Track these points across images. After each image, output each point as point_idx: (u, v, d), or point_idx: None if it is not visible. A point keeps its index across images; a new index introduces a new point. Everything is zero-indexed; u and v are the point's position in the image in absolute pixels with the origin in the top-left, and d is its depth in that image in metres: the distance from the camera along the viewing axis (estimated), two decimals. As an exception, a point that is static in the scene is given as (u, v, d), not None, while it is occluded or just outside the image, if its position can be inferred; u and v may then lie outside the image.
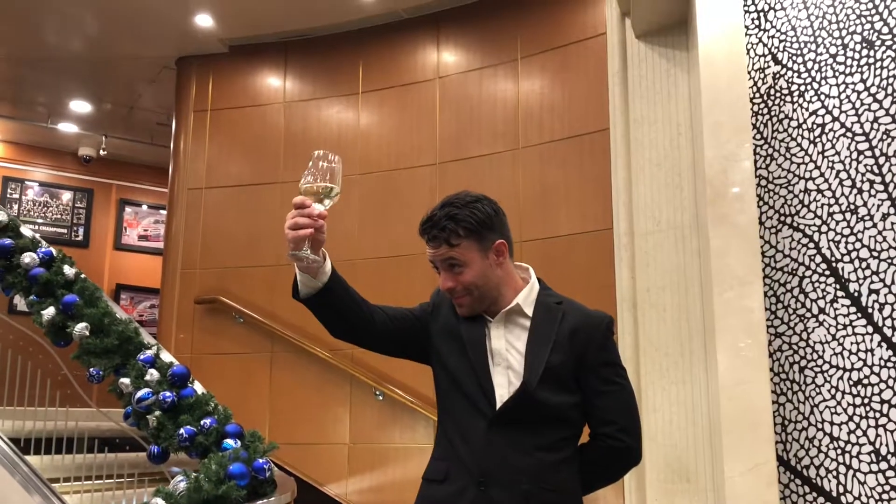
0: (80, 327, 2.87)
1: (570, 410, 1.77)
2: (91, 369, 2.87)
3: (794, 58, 2.98)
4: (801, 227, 2.87)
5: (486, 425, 1.73)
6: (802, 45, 2.95)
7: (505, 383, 1.76)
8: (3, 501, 2.77)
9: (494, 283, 1.81)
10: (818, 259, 2.80)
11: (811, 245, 2.83)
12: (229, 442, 2.57)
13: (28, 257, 3.03)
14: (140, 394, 2.73)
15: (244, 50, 5.54)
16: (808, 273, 2.82)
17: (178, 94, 5.77)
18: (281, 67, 5.43)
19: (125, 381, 2.82)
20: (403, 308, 2.00)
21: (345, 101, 5.21)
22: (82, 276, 3.15)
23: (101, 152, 7.89)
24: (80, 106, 7.08)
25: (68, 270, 3.06)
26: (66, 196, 8.21)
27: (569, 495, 1.77)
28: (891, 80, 2.66)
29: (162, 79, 6.30)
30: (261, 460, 2.43)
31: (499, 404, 1.74)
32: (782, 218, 2.93)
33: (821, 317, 2.76)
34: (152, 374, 2.79)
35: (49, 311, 2.93)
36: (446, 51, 4.96)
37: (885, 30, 2.70)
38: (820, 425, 2.72)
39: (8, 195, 7.84)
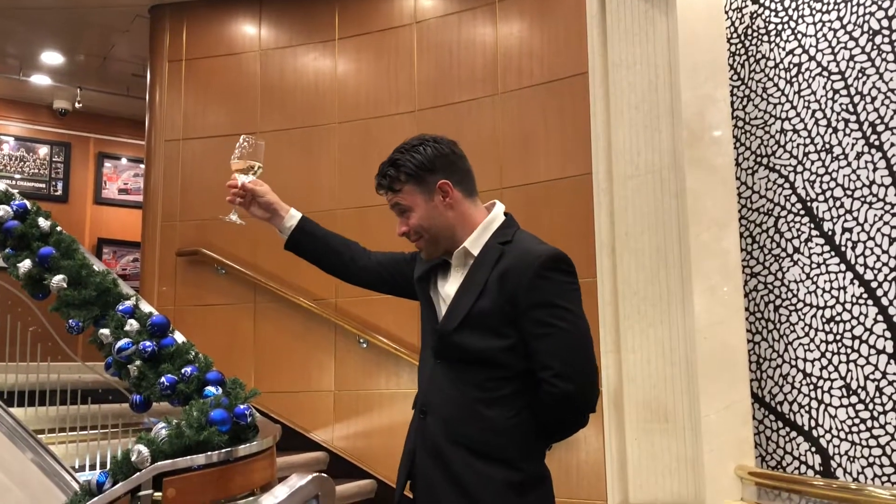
0: (58, 279, 2.85)
1: (501, 354, 1.74)
2: (70, 321, 2.87)
3: (772, -4, 2.95)
4: (777, 167, 2.88)
5: (432, 359, 1.83)
6: (780, -18, 2.93)
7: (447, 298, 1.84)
8: (-12, 453, 2.80)
9: (445, 224, 1.82)
10: (793, 199, 2.82)
11: (787, 185, 2.85)
12: (211, 389, 2.59)
13: (1, 210, 3.00)
14: (120, 344, 2.73)
15: (218, -3, 5.43)
16: (784, 213, 2.84)
17: (152, 43, 5.66)
18: (256, 15, 5.33)
19: (105, 331, 2.81)
20: (400, 255, 2.13)
21: (321, 48, 5.13)
22: (58, 228, 3.12)
23: (77, 105, 7.76)
24: (53, 57, 6.94)
25: (43, 223, 3.04)
26: (43, 150, 8.10)
27: (493, 434, 1.72)
28: (867, 17, 2.65)
29: (135, 28, 6.17)
30: (242, 406, 2.45)
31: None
32: (759, 159, 2.94)
33: (795, 256, 2.79)
34: (132, 325, 2.79)
35: (25, 264, 2.91)
36: (424, -5, 4.88)
37: (863, -34, 2.68)
38: (794, 362, 2.77)
39: (-17, 150, 7.73)
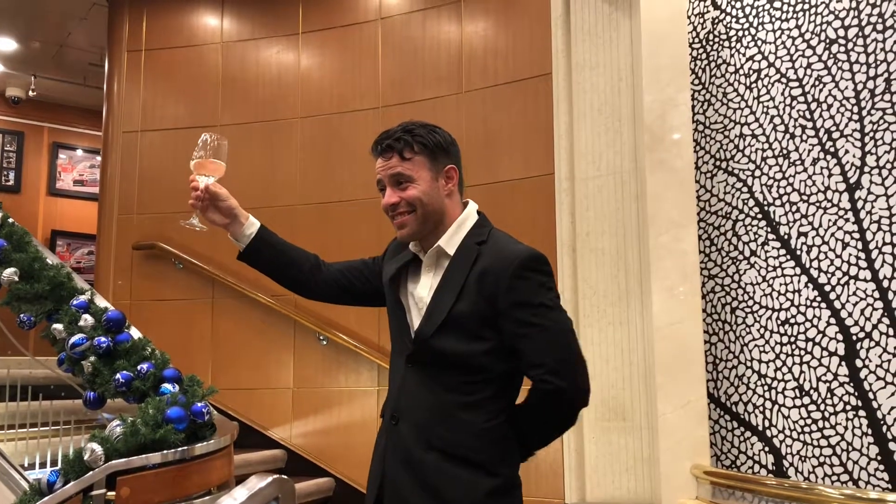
0: (9, 272, 2.78)
1: (481, 357, 1.69)
2: (21, 315, 2.80)
3: (733, 2, 3.00)
4: (736, 171, 2.93)
5: (404, 365, 1.76)
6: (741, -11, 2.97)
7: (420, 302, 1.78)
8: (-67, 450, 2.71)
9: (439, 207, 1.77)
10: (751, 203, 2.87)
11: (745, 189, 2.90)
12: (167, 386, 2.55)
13: (-49, 201, 2.91)
14: (74, 339, 2.67)
15: (179, -13, 5.34)
16: (742, 216, 2.89)
17: (110, 32, 5.54)
18: (218, 6, 5.25)
19: (58, 327, 2.75)
20: (359, 261, 2.05)
21: (285, 41, 5.07)
22: (10, 220, 3.04)
23: (31, 93, 7.57)
24: (6, 44, 6.75)
25: (-6, 214, 2.96)
26: (-5, 139, 7.89)
27: (471, 437, 1.67)
28: (824, 26, 2.70)
29: (93, 16, 6.03)
30: (199, 404, 2.42)
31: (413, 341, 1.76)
32: (718, 162, 2.99)
33: (752, 259, 2.84)
34: (87, 320, 2.73)
35: (-25, 257, 2.83)
36: (389, -9, 4.86)
37: (821, -25, 2.73)
38: (749, 363, 2.82)
39: (-69, 138, 7.51)
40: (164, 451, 2.24)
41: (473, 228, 1.80)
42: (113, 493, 2.13)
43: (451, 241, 1.78)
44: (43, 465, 3.19)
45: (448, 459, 1.65)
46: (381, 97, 4.78)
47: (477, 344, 1.68)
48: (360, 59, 4.88)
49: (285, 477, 1.01)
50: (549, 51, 3.99)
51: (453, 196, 1.81)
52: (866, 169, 2.54)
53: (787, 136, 2.77)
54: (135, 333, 2.81)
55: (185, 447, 2.30)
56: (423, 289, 1.78)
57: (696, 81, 3.11)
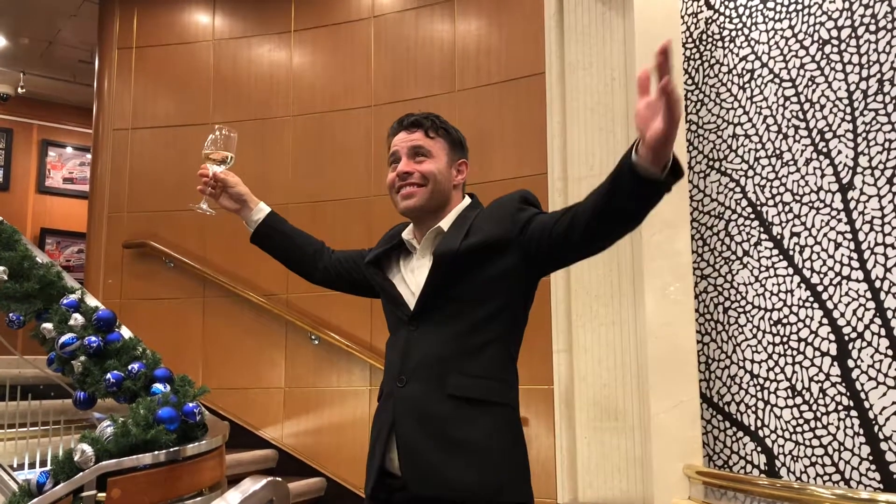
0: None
1: (491, 284, 1.72)
2: (10, 314, 2.77)
3: (726, 3, 3.00)
4: (729, 171, 2.93)
5: (406, 329, 1.78)
6: (735, -11, 2.97)
7: (415, 290, 1.80)
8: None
9: (446, 191, 1.83)
10: (744, 203, 2.87)
11: (738, 189, 2.90)
12: (158, 386, 2.53)
13: (-61, 199, 2.88)
14: (64, 339, 2.65)
15: (170, -16, 5.31)
16: (734, 217, 2.89)
17: (100, 29, 5.50)
18: (209, 4, 5.22)
19: (48, 326, 2.73)
20: (357, 251, 2.11)
21: (276, 39, 5.05)
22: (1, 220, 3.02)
23: (20, 90, 7.52)
24: (-5, 40, 6.71)
25: (-17, 212, 2.93)
26: (-17, 136, 7.83)
27: (492, 381, 1.70)
28: (817, 26, 2.71)
29: (83, 13, 5.99)
30: (191, 404, 2.40)
31: (412, 305, 1.77)
32: (711, 162, 2.99)
33: (745, 259, 2.85)
34: (77, 319, 2.71)
35: (-36, 255, 2.80)
36: (382, -11, 4.84)
37: (814, -24, 2.74)
38: (741, 363, 2.82)
39: (-81, 135, 7.44)
40: (156, 452, 2.23)
41: (467, 209, 1.87)
42: (103, 494, 2.11)
43: (448, 221, 1.83)
44: (32, 466, 3.16)
45: (466, 404, 1.67)
46: (373, 96, 4.76)
47: (490, 268, 1.71)
48: (352, 58, 4.86)
49: (279, 479, 1.00)
50: (543, 50, 3.99)
51: (459, 188, 1.89)
52: (859, 169, 2.55)
53: (780, 136, 2.78)
54: (125, 333, 2.79)
55: (177, 448, 2.28)
56: (422, 274, 1.79)
57: (690, 81, 3.11)
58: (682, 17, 3.11)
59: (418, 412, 1.69)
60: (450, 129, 1.88)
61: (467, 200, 1.90)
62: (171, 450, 2.27)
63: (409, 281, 1.83)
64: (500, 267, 1.72)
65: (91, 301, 2.89)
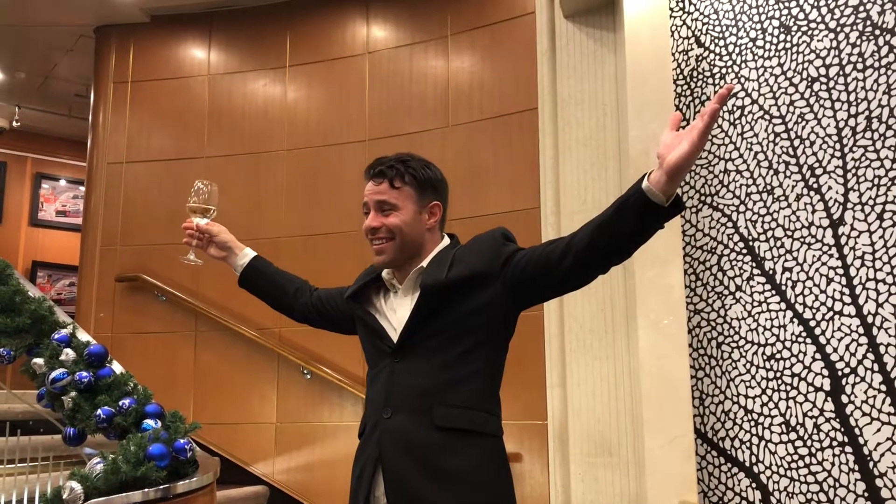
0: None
1: (473, 318, 1.75)
2: (1, 350, 2.75)
3: (717, 41, 3.04)
4: (721, 206, 2.95)
5: (390, 361, 1.80)
6: (724, 28, 3.02)
7: (398, 326, 1.82)
8: None
9: (417, 239, 1.84)
10: (736, 238, 2.89)
11: (729, 224, 2.92)
12: (149, 422, 2.50)
13: (-68, 232, 2.87)
14: (54, 374, 2.62)
15: (167, 20, 5.35)
16: (727, 251, 2.91)
17: (96, 64, 5.54)
18: (205, 39, 5.27)
19: (38, 361, 2.70)
20: (338, 288, 2.13)
21: (272, 74, 5.09)
22: (-9, 252, 3.01)
23: (15, 123, 7.54)
24: (-9, 74, 6.74)
25: (-24, 246, 2.92)
26: (-23, 169, 7.83)
27: (476, 412, 1.74)
28: (805, 64, 2.75)
29: (80, 48, 6.03)
30: (182, 441, 2.38)
31: (395, 338, 1.80)
32: (703, 198, 3.01)
33: (738, 294, 2.85)
34: (68, 354, 2.69)
35: (-45, 289, 2.78)
36: (376, 25, 4.90)
37: (801, 16, 2.79)
38: (735, 398, 2.82)
39: (-87, 168, 7.43)
40: (146, 490, 2.19)
41: (447, 248, 1.88)
42: (92, 533, 2.08)
43: (429, 261, 1.86)
44: (20, 503, 3.11)
45: (453, 434, 1.69)
46: (367, 130, 4.80)
47: (471, 301, 1.74)
48: (346, 93, 4.90)
49: None
50: (535, 86, 4.04)
51: (433, 231, 1.89)
52: (849, 205, 2.57)
53: (771, 171, 2.80)
54: (117, 368, 2.77)
55: (168, 485, 2.25)
56: (404, 311, 1.82)
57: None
58: (673, 54, 3.15)
59: (405, 443, 1.71)
60: (419, 173, 1.85)
61: (447, 241, 1.91)
62: (162, 487, 2.24)
63: (390, 317, 1.86)
64: (482, 299, 1.74)
65: (83, 336, 2.87)
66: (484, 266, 1.75)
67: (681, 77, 3.14)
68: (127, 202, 5.18)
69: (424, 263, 1.83)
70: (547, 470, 3.73)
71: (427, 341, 1.76)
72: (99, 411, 2.55)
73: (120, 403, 2.58)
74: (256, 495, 4.51)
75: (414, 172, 1.85)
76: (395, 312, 1.85)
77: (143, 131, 5.28)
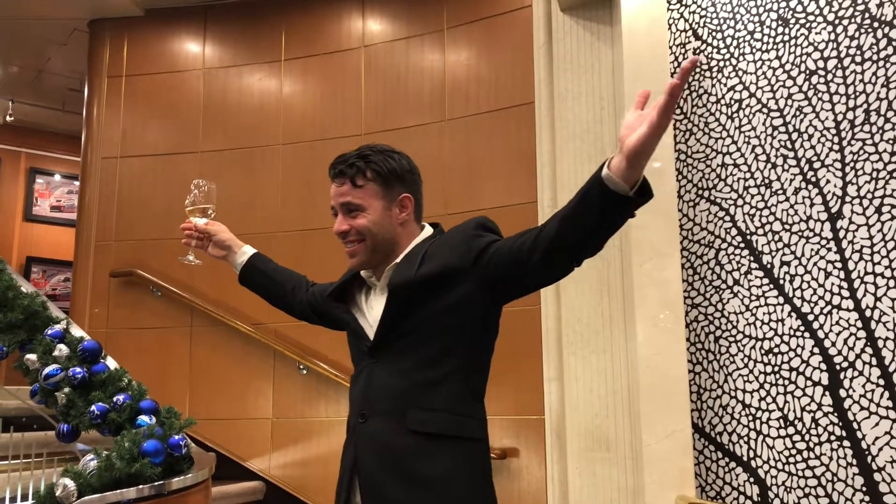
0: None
1: (446, 316, 1.66)
2: (-6, 345, 2.73)
3: (714, 33, 3.02)
4: (718, 200, 2.94)
5: (368, 362, 1.74)
6: (722, 21, 3.00)
7: (374, 323, 1.76)
8: None
9: (390, 236, 1.76)
10: (734, 232, 2.87)
11: (727, 218, 2.90)
12: (144, 418, 2.49)
13: (-77, 227, 2.85)
14: (48, 370, 2.60)
15: (161, 14, 5.32)
16: (724, 245, 2.90)
17: (90, 58, 5.50)
18: (200, 33, 5.24)
19: (31, 357, 2.69)
20: (332, 283, 2.05)
21: (267, 68, 5.06)
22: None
23: (8, 118, 7.50)
24: (-16, 68, 6.70)
25: (-32, 241, 2.90)
26: (-30, 164, 7.79)
27: (452, 414, 1.65)
28: (804, 57, 2.73)
29: (73, 42, 5.99)
30: (177, 437, 2.36)
31: (372, 335, 1.74)
32: (700, 192, 3.00)
33: (735, 288, 2.84)
34: (61, 350, 2.67)
35: (-52, 285, 2.76)
36: (371, 19, 4.87)
37: (799, 8, 2.77)
38: (733, 393, 2.81)
39: None
40: (140, 486, 2.18)
41: (425, 241, 1.79)
42: (86, 530, 2.06)
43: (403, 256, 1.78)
44: (14, 501, 3.10)
45: (426, 439, 1.62)
46: (363, 124, 4.77)
47: (443, 299, 1.66)
48: (342, 87, 4.88)
49: None
50: (532, 80, 4.01)
51: (407, 225, 1.79)
52: (847, 199, 2.56)
53: (769, 165, 2.79)
54: (111, 364, 2.75)
55: (162, 482, 2.24)
56: (380, 307, 1.75)
57: (678, 111, 3.12)
58: (671, 47, 3.14)
59: (380, 449, 1.66)
60: (381, 166, 1.75)
61: (427, 231, 1.84)
62: (156, 483, 2.22)
63: (369, 316, 1.80)
64: (456, 296, 1.65)
65: (76, 331, 2.85)
66: (456, 261, 1.65)
67: (678, 70, 3.12)
68: (122, 197, 5.15)
69: (399, 259, 1.76)
70: (544, 465, 3.72)
71: (401, 341, 1.69)
72: (93, 407, 2.53)
73: (114, 399, 2.56)
74: (253, 491, 4.49)
75: (376, 167, 1.74)
76: (373, 310, 1.79)
77: (137, 126, 5.25)
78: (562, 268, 1.56)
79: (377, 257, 1.77)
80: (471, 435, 1.68)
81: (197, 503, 2.37)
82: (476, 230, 1.70)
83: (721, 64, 2.99)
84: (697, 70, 3.06)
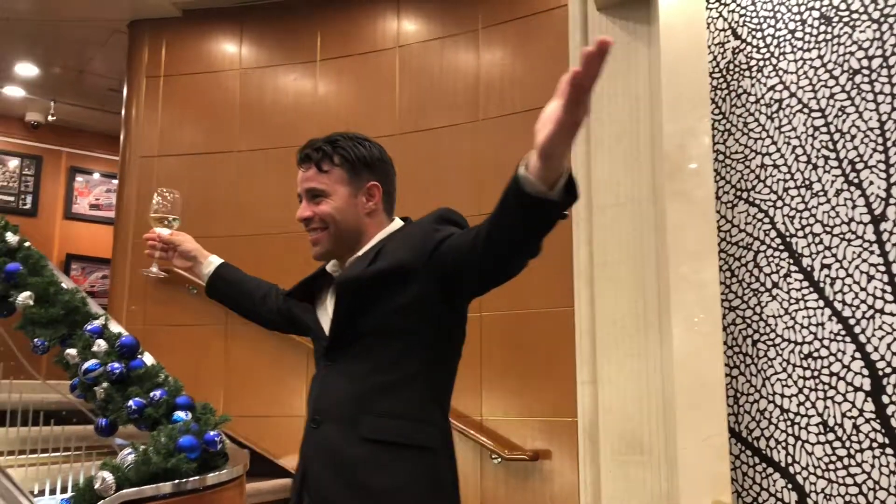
0: (24, 296, 2.77)
1: (399, 317, 1.55)
2: (35, 340, 2.78)
3: (754, 32, 2.98)
4: (757, 202, 2.89)
5: (324, 363, 1.65)
6: (762, 20, 2.96)
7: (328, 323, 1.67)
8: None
9: (355, 226, 1.67)
10: (773, 234, 2.83)
11: (766, 220, 2.86)
12: (180, 414, 2.51)
13: (-31, 224, 2.91)
14: (87, 365, 2.65)
15: (198, 14, 5.38)
16: (763, 248, 2.85)
17: (129, 59, 5.59)
18: (237, 33, 5.29)
19: (72, 351, 2.73)
20: None
21: (302, 68, 5.09)
22: (26, 243, 3.04)
23: (50, 118, 7.65)
24: (27, 69, 6.83)
25: (11, 238, 2.96)
26: (13, 163, 7.95)
27: (408, 422, 1.55)
28: (847, 56, 2.68)
29: (113, 43, 6.09)
30: (212, 433, 2.38)
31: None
32: (739, 193, 2.95)
33: (774, 291, 2.80)
34: (100, 345, 2.71)
35: (-9, 280, 2.82)
36: (406, 19, 4.88)
37: (843, 6, 2.72)
38: (771, 398, 2.76)
39: (-49, 161, 7.57)
40: (177, 481, 2.21)
41: (391, 235, 1.70)
42: (123, 523, 2.09)
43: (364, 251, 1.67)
44: (53, 493, 3.15)
45: (381, 448, 1.52)
46: (396, 124, 4.78)
47: (395, 299, 1.55)
48: (376, 87, 4.89)
49: None
50: (567, 80, 3.98)
51: (375, 214, 1.70)
52: (892, 200, 2.50)
53: (810, 166, 2.74)
54: (148, 359, 2.79)
55: (198, 477, 2.26)
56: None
57: (717, 111, 3.08)
58: (709, 46, 3.09)
59: (329, 456, 1.56)
60: (349, 153, 1.67)
61: (396, 224, 1.73)
62: (192, 479, 2.25)
63: (329, 313, 1.67)
64: (410, 296, 1.53)
65: (114, 327, 2.89)
66: (410, 258, 1.53)
67: (717, 70, 3.08)
68: (159, 196, 5.22)
69: (360, 252, 1.66)
70: (577, 467, 3.69)
71: (356, 344, 1.59)
72: (130, 402, 2.57)
73: (151, 395, 2.60)
74: (285, 488, 4.52)
75: (344, 153, 1.67)
76: (331, 307, 1.68)
77: (174, 125, 5.31)
78: (504, 268, 1.42)
79: (342, 247, 1.68)
80: (427, 444, 1.56)
81: (231, 499, 2.39)
82: (435, 223, 1.58)
83: (761, 63, 2.94)
84: (736, 69, 3.01)
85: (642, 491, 3.23)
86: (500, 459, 3.84)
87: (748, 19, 3.00)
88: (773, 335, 2.78)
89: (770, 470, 2.73)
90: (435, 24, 4.79)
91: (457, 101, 4.62)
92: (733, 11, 3.05)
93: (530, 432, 3.90)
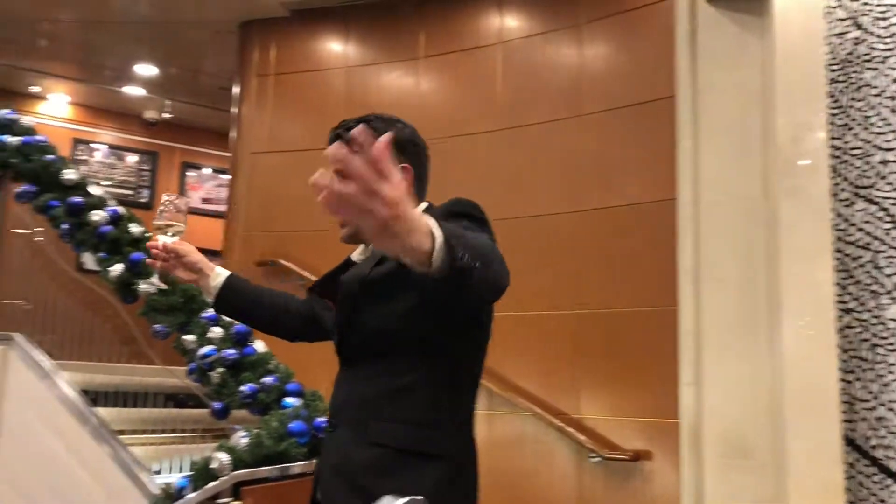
0: (147, 284, 2.94)
1: (403, 322, 1.49)
2: (156, 325, 2.94)
3: (878, 21, 2.84)
4: (877, 199, 2.76)
5: (341, 367, 1.63)
6: (887, 8, 2.82)
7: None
8: (73, 449, 2.87)
9: None
10: (894, 234, 2.69)
11: (887, 219, 2.72)
12: (290, 400, 2.62)
13: (97, 215, 3.12)
14: (204, 350, 2.79)
15: (305, 14, 5.54)
16: (883, 248, 2.72)
17: (240, 58, 5.82)
18: (342, 32, 5.42)
19: (189, 337, 2.88)
20: None
21: (405, 66, 5.17)
22: (148, 234, 3.22)
23: (166, 115, 8.03)
24: (146, 69, 7.20)
25: (135, 229, 3.14)
26: (132, 158, 8.40)
27: (415, 427, 1.49)
28: (982, 45, 2.52)
29: (225, 43, 6.35)
30: (321, 419, 2.47)
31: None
32: (857, 190, 2.83)
33: (895, 294, 2.66)
34: (215, 332, 2.85)
35: (117, 268, 3.01)
36: (509, 15, 4.88)
37: (978, -8, 2.56)
38: (889, 405, 2.64)
39: (77, 157, 8.06)
40: (288, 465, 2.30)
41: None
42: (238, 502, 2.19)
43: None
44: (168, 471, 3.33)
45: (391, 454, 1.47)
46: (496, 120, 4.79)
47: (399, 303, 1.48)
48: (477, 83, 4.92)
49: (420, 498, 0.98)
50: (672, 73, 3.89)
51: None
52: None
53: (937, 162, 2.59)
54: (259, 347, 2.90)
55: (307, 461, 2.35)
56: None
57: (834, 105, 2.96)
58: (827, 37, 2.97)
59: (340, 461, 1.53)
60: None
61: (422, 207, 1.65)
62: (302, 463, 2.34)
63: None
64: (416, 298, 1.44)
65: (228, 316, 3.03)
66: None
67: (835, 62, 2.95)
68: (268, 190, 5.41)
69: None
70: (678, 469, 3.62)
71: (367, 345, 1.55)
72: (244, 387, 2.69)
73: (263, 381, 2.71)
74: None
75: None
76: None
77: (283, 122, 5.49)
78: (478, 301, 1.35)
79: None
80: (435, 451, 1.50)
81: (338, 484, 2.46)
82: (444, 218, 1.39)
83: (884, 54, 2.80)
84: (857, 61, 2.88)
85: (747, 495, 3.14)
86: (599, 458, 3.80)
87: (871, 7, 2.86)
88: (893, 339, 2.65)
89: (888, 481, 2.61)
90: (537, 20, 4.77)
91: (559, 97, 4.59)
92: (855, 0, 2.91)
93: (630, 432, 3.85)
